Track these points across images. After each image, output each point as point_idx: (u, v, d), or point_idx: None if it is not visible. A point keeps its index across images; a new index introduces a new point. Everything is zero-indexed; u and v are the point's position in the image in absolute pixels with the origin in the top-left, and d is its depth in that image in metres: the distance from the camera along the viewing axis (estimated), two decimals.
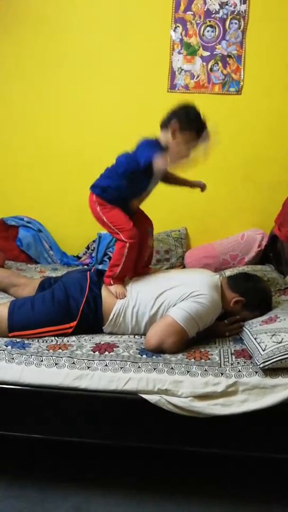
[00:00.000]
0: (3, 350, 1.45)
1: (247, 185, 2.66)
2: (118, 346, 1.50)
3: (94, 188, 1.71)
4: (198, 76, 2.59)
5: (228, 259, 2.56)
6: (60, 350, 1.47)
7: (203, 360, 1.43)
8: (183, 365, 1.40)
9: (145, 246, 1.84)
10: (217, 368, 1.38)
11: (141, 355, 1.45)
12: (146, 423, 1.40)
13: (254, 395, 1.32)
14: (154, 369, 1.38)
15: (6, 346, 1.48)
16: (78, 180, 2.67)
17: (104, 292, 1.67)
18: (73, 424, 1.42)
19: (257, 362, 1.34)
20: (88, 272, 1.76)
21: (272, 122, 2.59)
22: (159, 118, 2.61)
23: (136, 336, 1.62)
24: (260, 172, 2.64)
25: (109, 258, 2.57)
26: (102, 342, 1.53)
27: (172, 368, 1.38)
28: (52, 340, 1.56)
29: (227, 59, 2.56)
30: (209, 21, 2.53)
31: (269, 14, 2.50)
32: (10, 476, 1.55)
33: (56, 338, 1.57)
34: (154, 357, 1.45)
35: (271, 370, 1.34)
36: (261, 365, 1.33)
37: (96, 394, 1.36)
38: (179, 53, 2.58)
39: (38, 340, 1.55)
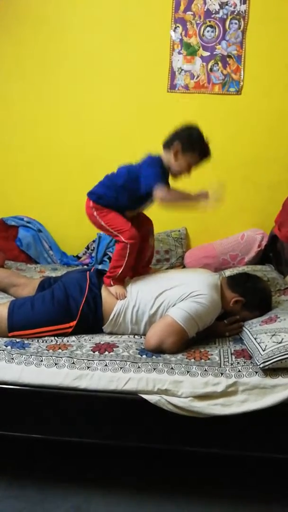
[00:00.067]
0: (3, 350, 1.45)
1: (247, 185, 2.66)
2: (118, 346, 1.50)
3: (91, 195, 1.72)
4: (198, 76, 2.59)
5: (228, 259, 2.56)
6: (60, 350, 1.46)
7: (203, 360, 1.43)
8: (183, 365, 1.40)
9: (146, 246, 1.85)
10: (217, 368, 1.38)
11: (141, 355, 1.45)
12: (146, 423, 1.40)
13: (254, 395, 1.32)
14: (154, 369, 1.38)
15: (6, 346, 1.48)
16: (78, 180, 2.68)
17: (104, 292, 1.67)
18: (73, 424, 1.42)
19: (257, 362, 1.34)
20: (88, 272, 1.76)
21: (272, 122, 2.59)
22: (159, 118, 2.64)
23: (136, 336, 1.62)
24: (260, 172, 2.64)
25: (109, 258, 2.57)
26: (102, 342, 1.53)
27: (172, 368, 1.38)
28: (52, 340, 1.56)
29: (227, 59, 2.56)
30: (209, 21, 2.53)
31: (269, 14, 2.50)
32: (10, 476, 1.55)
33: (56, 338, 1.57)
34: (154, 357, 1.45)
35: (271, 370, 1.34)
36: (261, 365, 1.33)
37: (96, 394, 1.36)
38: (179, 53, 2.58)
39: (38, 340, 1.55)
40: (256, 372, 1.35)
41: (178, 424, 1.36)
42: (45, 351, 1.46)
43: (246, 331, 1.57)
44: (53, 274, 2.29)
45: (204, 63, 2.57)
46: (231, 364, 1.40)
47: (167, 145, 1.64)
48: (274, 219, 2.45)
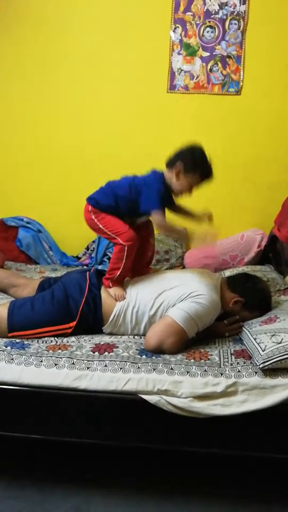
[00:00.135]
0: (3, 351, 1.45)
1: (247, 186, 2.66)
2: (117, 347, 1.50)
3: (90, 200, 1.72)
4: (197, 77, 2.60)
5: (227, 259, 2.56)
6: (59, 351, 1.46)
7: (202, 361, 1.43)
8: (183, 365, 1.40)
9: (148, 245, 1.85)
10: (216, 368, 1.38)
11: (141, 356, 1.45)
12: (145, 423, 1.40)
13: (253, 396, 1.32)
14: (154, 369, 1.38)
15: (6, 347, 1.48)
16: (78, 180, 2.69)
17: (103, 293, 1.67)
18: (72, 425, 1.42)
19: (256, 362, 1.34)
20: (88, 273, 1.76)
21: (272, 122, 2.60)
22: (158, 119, 2.64)
23: (136, 337, 1.62)
24: (259, 172, 2.64)
25: (109, 258, 2.57)
26: (101, 343, 1.53)
27: (171, 368, 1.38)
28: (51, 341, 1.56)
29: (227, 59, 2.56)
30: (209, 21, 2.53)
31: (268, 14, 2.50)
32: (10, 477, 1.55)
33: (55, 338, 1.57)
34: (153, 357, 1.45)
35: (271, 371, 1.34)
36: (260, 366, 1.33)
37: (96, 395, 1.36)
38: (179, 53, 2.58)
39: (37, 341, 1.55)
40: (256, 373, 1.35)
41: (178, 425, 1.36)
42: (45, 351, 1.47)
43: (245, 331, 1.57)
44: (53, 275, 2.29)
45: (204, 64, 2.58)
46: (231, 365, 1.40)
47: (170, 164, 1.64)
48: (274, 220, 2.45)
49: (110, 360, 1.41)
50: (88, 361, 1.41)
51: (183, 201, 1.78)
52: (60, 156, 2.74)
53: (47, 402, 1.39)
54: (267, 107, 2.58)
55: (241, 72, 2.57)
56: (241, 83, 2.58)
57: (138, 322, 1.63)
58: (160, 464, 1.62)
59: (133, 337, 1.62)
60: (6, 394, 1.39)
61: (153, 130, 2.66)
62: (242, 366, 1.39)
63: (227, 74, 2.58)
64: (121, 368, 1.38)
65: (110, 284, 1.68)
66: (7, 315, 1.58)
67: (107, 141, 2.69)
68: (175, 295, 1.59)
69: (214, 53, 2.56)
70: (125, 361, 1.41)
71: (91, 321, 1.63)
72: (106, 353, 1.45)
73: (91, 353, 1.46)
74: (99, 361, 1.41)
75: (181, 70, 2.59)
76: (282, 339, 1.37)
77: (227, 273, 2.26)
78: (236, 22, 2.52)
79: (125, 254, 1.65)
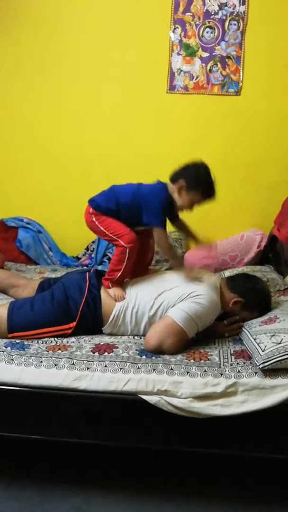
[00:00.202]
0: (3, 351, 1.45)
1: (247, 186, 2.66)
2: (117, 347, 1.50)
3: (92, 202, 1.72)
4: (197, 77, 2.60)
5: (227, 259, 2.56)
6: (59, 351, 1.46)
7: (202, 361, 1.43)
8: (183, 365, 1.40)
9: (148, 246, 1.85)
10: (216, 368, 1.38)
11: (141, 356, 1.45)
12: (145, 423, 1.40)
13: (253, 396, 1.32)
14: (154, 369, 1.38)
15: (6, 347, 1.48)
16: (78, 180, 2.70)
17: (103, 293, 1.67)
18: (72, 425, 1.42)
19: (256, 362, 1.35)
20: (87, 273, 1.76)
21: (271, 122, 2.60)
22: (158, 119, 2.65)
23: (136, 337, 1.62)
24: (259, 173, 2.64)
25: (109, 259, 2.57)
26: (101, 343, 1.53)
27: (171, 368, 1.38)
28: (51, 341, 1.56)
29: (226, 60, 2.56)
30: (208, 22, 2.53)
31: (268, 15, 2.50)
32: (10, 477, 1.55)
33: (55, 339, 1.57)
34: (153, 357, 1.45)
35: (271, 371, 1.34)
36: (260, 366, 1.33)
37: (96, 395, 1.36)
38: (178, 54, 2.58)
39: (37, 341, 1.55)
40: (256, 373, 1.35)
41: (177, 425, 1.36)
42: (44, 352, 1.47)
43: (245, 331, 1.57)
44: (53, 275, 2.29)
45: (203, 64, 2.58)
46: (231, 365, 1.40)
47: (173, 180, 1.65)
48: (274, 220, 2.45)
49: (110, 361, 1.41)
50: (88, 361, 1.41)
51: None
52: (60, 156, 2.74)
53: (47, 402, 1.39)
54: (266, 108, 2.58)
55: (241, 73, 2.57)
56: (241, 84, 2.58)
57: (137, 322, 1.63)
58: (160, 465, 1.62)
59: (133, 338, 1.62)
60: (6, 395, 1.39)
61: (152, 130, 2.66)
62: (242, 367, 1.39)
63: (227, 74, 2.58)
64: (121, 369, 1.38)
65: (110, 285, 1.68)
66: (7, 316, 1.58)
67: (107, 141, 2.69)
68: (175, 295, 1.59)
69: (213, 54, 2.56)
70: (125, 362, 1.41)
71: (91, 321, 1.63)
72: (106, 353, 1.45)
73: (91, 353, 1.46)
74: (99, 361, 1.41)
75: (181, 71, 2.59)
76: (282, 340, 1.37)
77: (227, 273, 2.26)
78: (235, 22, 2.52)
79: (127, 256, 1.65)
